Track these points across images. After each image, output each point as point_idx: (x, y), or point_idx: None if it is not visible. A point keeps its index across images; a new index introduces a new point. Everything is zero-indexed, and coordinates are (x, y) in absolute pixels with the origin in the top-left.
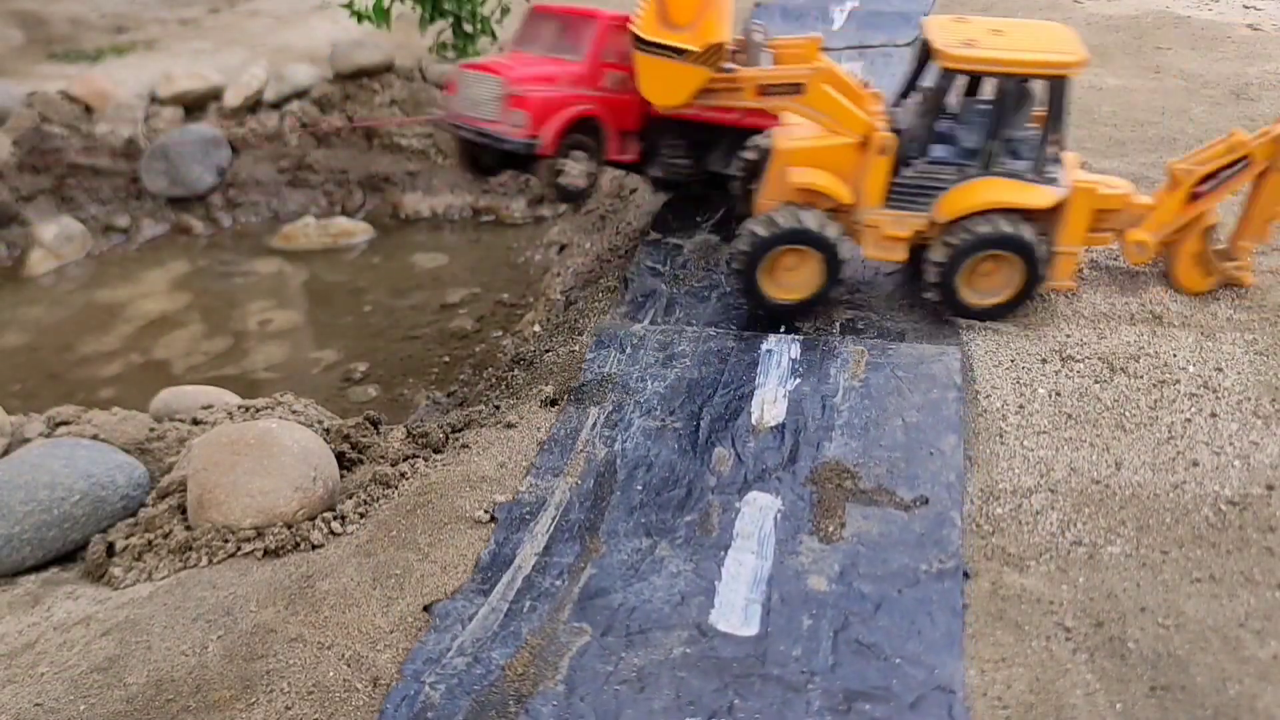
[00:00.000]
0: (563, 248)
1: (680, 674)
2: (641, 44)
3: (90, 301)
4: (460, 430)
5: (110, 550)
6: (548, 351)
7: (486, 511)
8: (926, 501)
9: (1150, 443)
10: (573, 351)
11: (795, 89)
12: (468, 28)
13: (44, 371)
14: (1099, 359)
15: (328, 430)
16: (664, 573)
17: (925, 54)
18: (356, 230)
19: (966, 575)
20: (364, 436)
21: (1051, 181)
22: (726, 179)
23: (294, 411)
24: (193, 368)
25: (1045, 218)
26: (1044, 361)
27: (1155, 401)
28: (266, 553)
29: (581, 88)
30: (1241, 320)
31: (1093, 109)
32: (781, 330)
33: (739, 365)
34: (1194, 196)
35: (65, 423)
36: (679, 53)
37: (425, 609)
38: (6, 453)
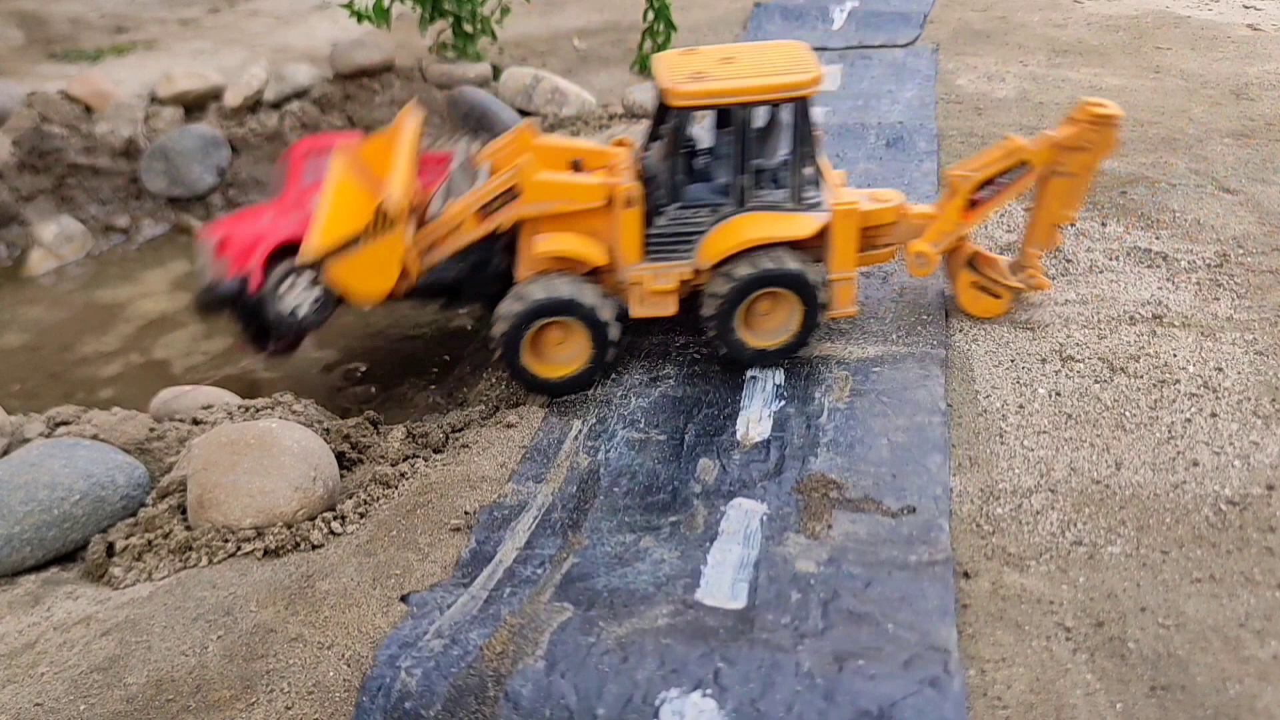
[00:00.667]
0: None
1: (665, 640)
2: (316, 266)
3: (90, 301)
4: (460, 430)
5: (110, 550)
6: None
7: (460, 520)
8: (914, 510)
9: (1150, 443)
10: None
11: (512, 194)
12: (468, 28)
13: (44, 371)
14: (1099, 359)
15: (328, 430)
16: (648, 559)
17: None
18: None
19: (966, 576)
20: (364, 436)
21: (813, 207)
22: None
23: (294, 411)
24: (193, 368)
25: (813, 245)
26: (1044, 361)
27: (1155, 401)
28: (266, 553)
29: (287, 217)
30: (1241, 320)
31: None
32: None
33: (723, 388)
34: (973, 204)
35: (65, 423)
36: (353, 241)
37: (402, 599)
38: (6, 453)
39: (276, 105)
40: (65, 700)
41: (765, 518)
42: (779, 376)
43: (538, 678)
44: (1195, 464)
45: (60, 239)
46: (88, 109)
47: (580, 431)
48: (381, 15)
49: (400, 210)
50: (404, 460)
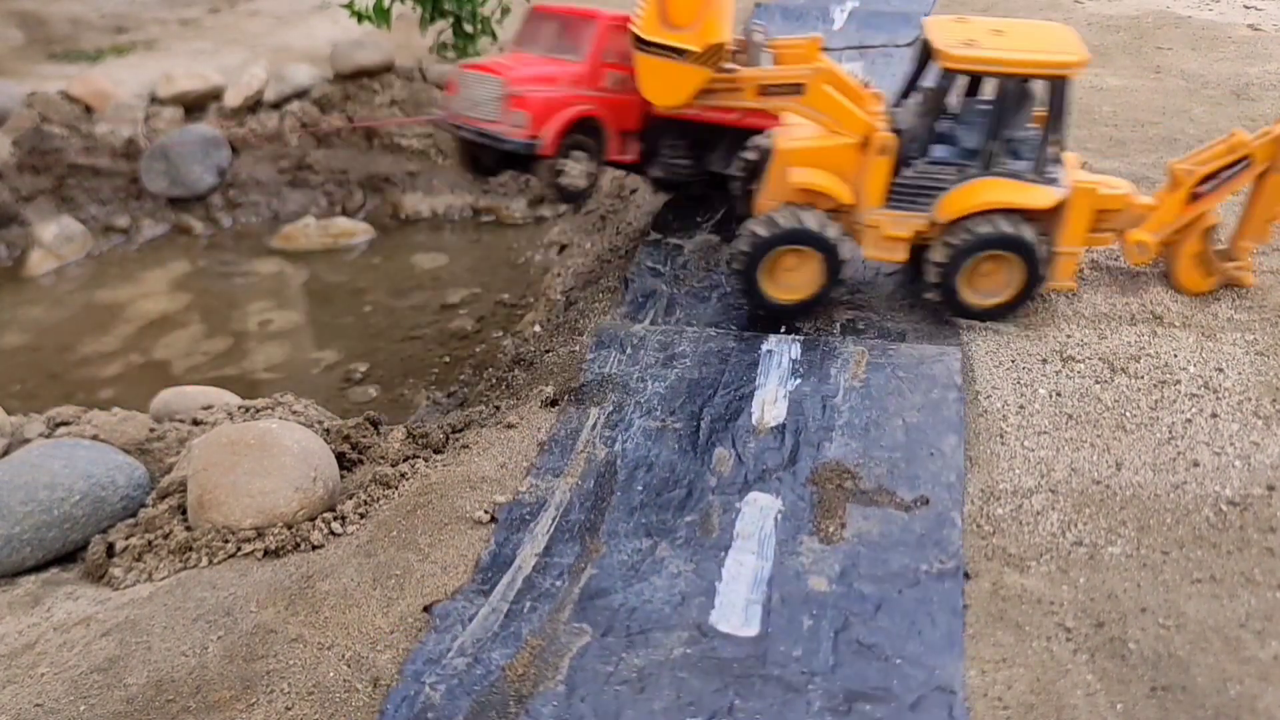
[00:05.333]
0: (563, 248)
1: (680, 674)
2: (642, 44)
3: (90, 301)
4: (460, 430)
5: (110, 550)
6: (548, 352)
7: (487, 512)
8: (927, 502)
9: (1151, 443)
10: (573, 352)
11: (795, 89)
12: (468, 28)
13: (44, 371)
14: (1099, 359)
15: (328, 430)
16: (664, 573)
17: (926, 54)
18: (356, 230)
19: (967, 576)
20: (364, 437)
21: (1052, 182)
22: (727, 179)
23: (294, 412)
24: (193, 368)
25: (1046, 218)
26: (1044, 362)
27: (1156, 402)
28: (266, 553)
29: (582, 88)
30: (1242, 320)
31: (1093, 109)
32: (782, 330)
33: (739, 366)
34: (1194, 197)
35: (65, 423)
36: (679, 53)
37: (425, 609)
38: (6, 453)
39: (276, 105)
40: (65, 701)
41: (780, 516)
42: (795, 351)
43: (558, 700)
44: (1196, 464)
45: (60, 239)
46: (88, 109)
47: (598, 421)
48: (381, 15)
49: (722, 55)
50: (404, 461)
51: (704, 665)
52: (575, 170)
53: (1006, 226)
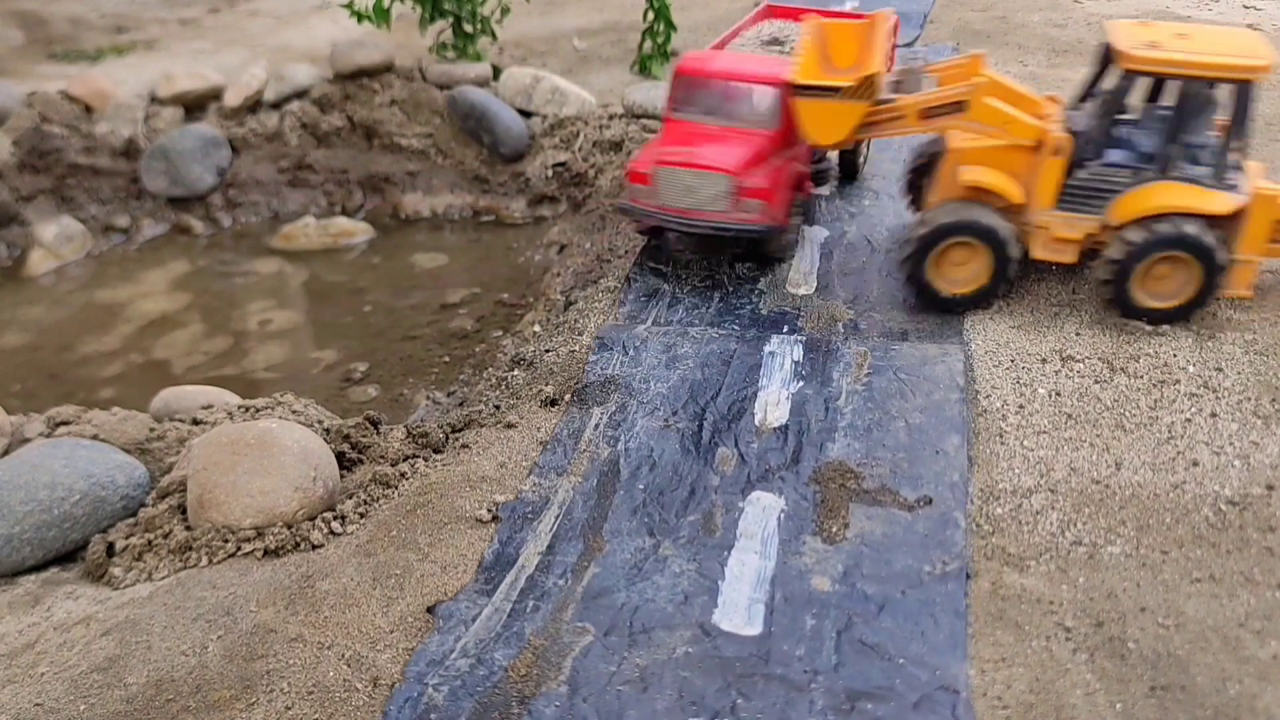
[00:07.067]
0: (563, 248)
1: (683, 674)
2: (798, 90)
3: (90, 301)
4: (460, 430)
5: (110, 550)
6: (548, 352)
7: (489, 510)
8: (930, 502)
9: (1150, 443)
10: (573, 352)
11: (958, 108)
12: (468, 28)
13: (44, 371)
14: (1099, 359)
15: (328, 430)
16: (667, 572)
17: (1106, 57)
18: (356, 230)
19: (968, 576)
20: (364, 436)
21: (1232, 188)
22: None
23: (294, 411)
24: (193, 368)
25: (1224, 225)
26: (1044, 361)
27: (1155, 401)
28: (266, 553)
29: (785, 152)
30: (1241, 320)
31: None
32: (785, 332)
33: (742, 367)
34: None
35: (65, 423)
36: (834, 91)
37: (429, 610)
38: (6, 453)
39: (276, 105)
40: (65, 700)
41: (783, 515)
42: (798, 352)
43: (560, 701)
44: (1195, 464)
45: (60, 239)
46: (88, 109)
47: (601, 420)
48: (381, 15)
49: (875, 87)
50: (404, 460)
51: (707, 664)
52: (795, 224)
53: (1188, 227)
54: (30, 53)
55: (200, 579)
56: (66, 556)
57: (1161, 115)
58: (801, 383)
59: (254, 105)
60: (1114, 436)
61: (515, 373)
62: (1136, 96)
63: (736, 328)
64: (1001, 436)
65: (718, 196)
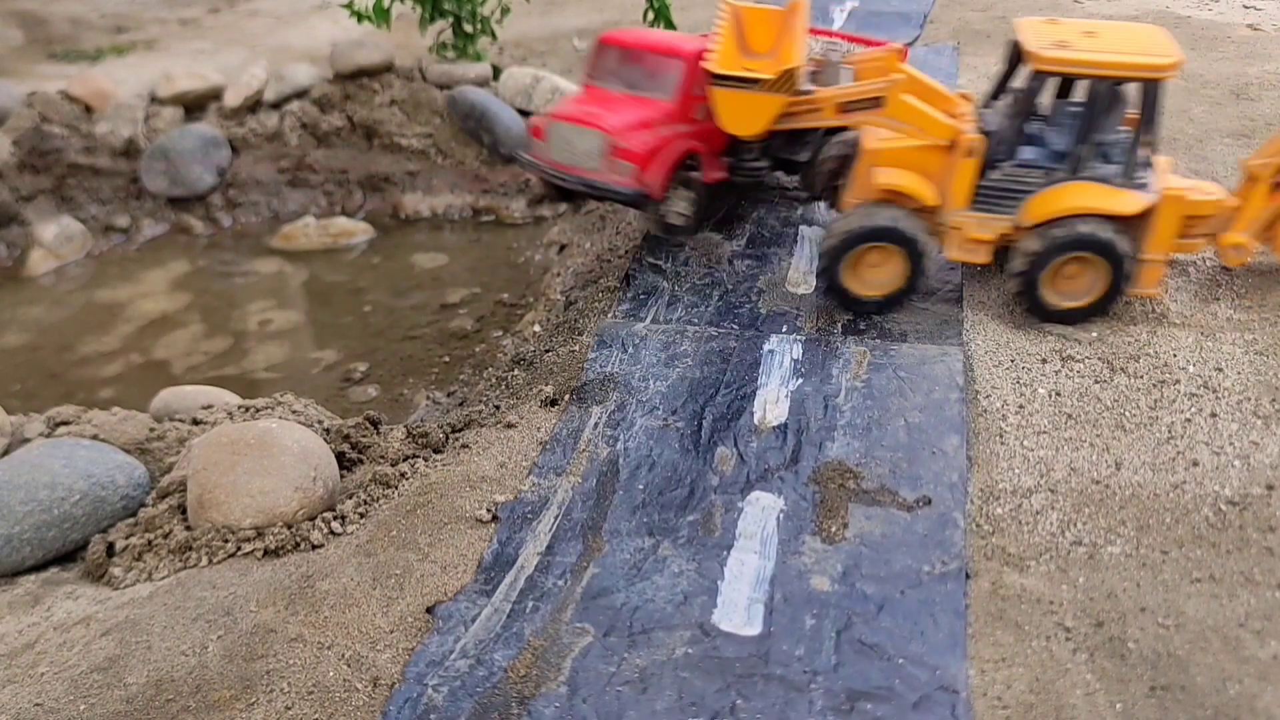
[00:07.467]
0: (563, 248)
1: (683, 674)
2: (716, 79)
3: (90, 301)
4: (460, 430)
5: (110, 550)
6: (548, 351)
7: (489, 511)
8: (929, 502)
9: (1150, 443)
10: (573, 351)
11: (875, 103)
12: (467, 27)
13: (44, 371)
14: (1099, 359)
15: (328, 430)
16: (666, 572)
17: (1016, 56)
18: (356, 230)
19: (967, 576)
20: (364, 436)
21: (1141, 187)
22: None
23: (294, 411)
24: (193, 368)
25: (1134, 224)
26: (1044, 361)
27: (1155, 401)
28: (266, 553)
29: (677, 125)
30: (1241, 320)
31: None
32: (784, 330)
33: (741, 365)
34: (1276, 187)
35: (65, 423)
36: (753, 83)
37: (428, 611)
38: (6, 453)
39: (276, 105)
40: (65, 700)
41: (782, 515)
42: (797, 350)
43: (560, 701)
44: (1195, 464)
45: (60, 239)
46: (88, 109)
47: (600, 420)
48: (381, 15)
49: (796, 80)
50: (404, 460)
51: (706, 665)
52: (680, 206)
53: (1092, 229)
54: (30, 53)
55: (200, 579)
56: (66, 556)
57: (1072, 114)
58: (800, 380)
59: (254, 105)
60: (1114, 436)
61: (515, 372)
62: (1047, 95)
63: (736, 326)
64: (1001, 436)
65: (592, 154)
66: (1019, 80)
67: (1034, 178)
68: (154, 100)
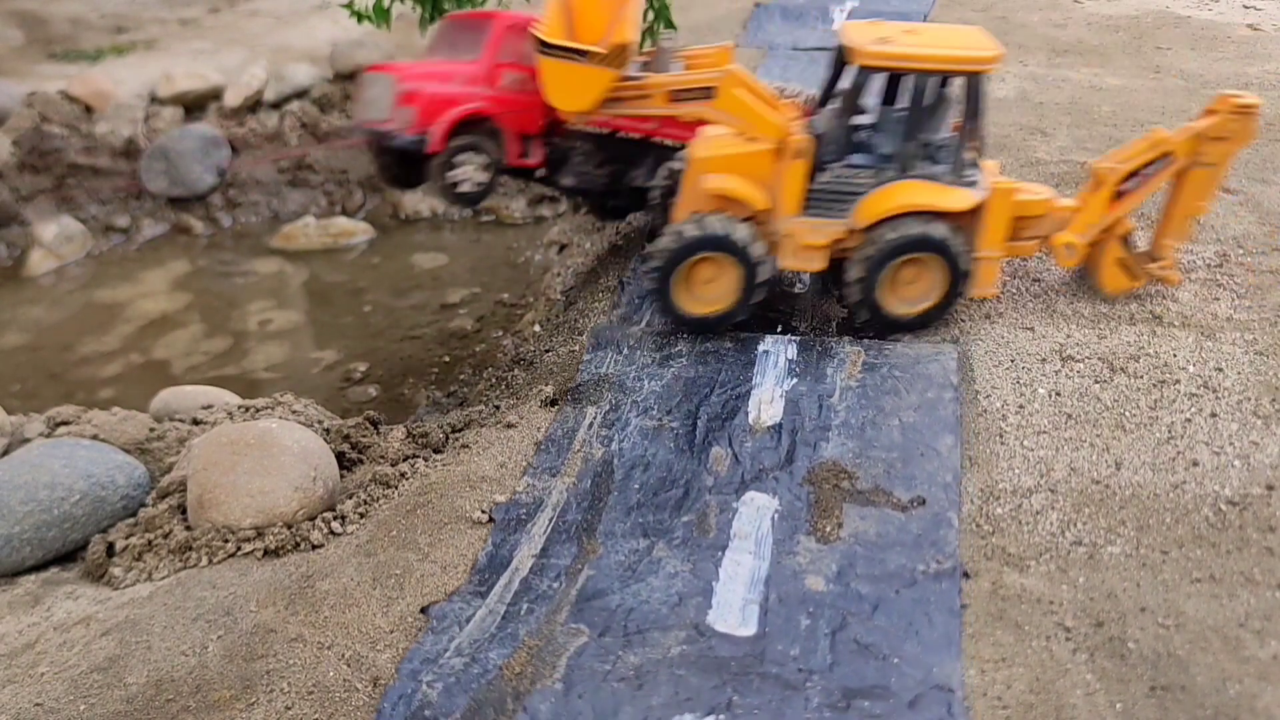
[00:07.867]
0: (563, 248)
1: (678, 672)
2: (545, 47)
3: (90, 301)
4: (460, 430)
5: (110, 550)
6: (548, 351)
7: (484, 512)
8: (924, 502)
9: (1150, 443)
10: (573, 351)
11: (706, 93)
12: None
13: (44, 371)
14: (1099, 359)
15: (328, 430)
16: (661, 573)
17: (841, 59)
18: (356, 230)
19: (966, 575)
20: (364, 436)
21: (970, 185)
22: (646, 193)
23: (294, 411)
24: (193, 368)
25: (965, 222)
26: (1044, 361)
27: (1155, 401)
28: (266, 553)
29: (475, 86)
30: (1241, 320)
31: (1092, 109)
32: (778, 330)
33: (735, 365)
34: (1118, 195)
35: (65, 423)
36: (582, 54)
37: (422, 611)
38: (6, 453)
39: (276, 105)
40: (65, 700)
41: (777, 516)
42: (792, 351)
43: (556, 697)
44: (1195, 464)
45: (60, 239)
46: (88, 109)
47: (595, 420)
48: (381, 15)
49: (627, 56)
50: (404, 460)
51: (701, 663)
52: (467, 172)
53: (919, 228)
54: (30, 53)
55: (200, 579)
56: (66, 556)
57: (898, 117)
58: (795, 380)
59: (254, 105)
60: (1114, 436)
61: (515, 373)
62: (874, 97)
63: (730, 326)
64: (1001, 436)
65: (383, 101)
66: (844, 81)
67: (863, 178)
68: (154, 100)
